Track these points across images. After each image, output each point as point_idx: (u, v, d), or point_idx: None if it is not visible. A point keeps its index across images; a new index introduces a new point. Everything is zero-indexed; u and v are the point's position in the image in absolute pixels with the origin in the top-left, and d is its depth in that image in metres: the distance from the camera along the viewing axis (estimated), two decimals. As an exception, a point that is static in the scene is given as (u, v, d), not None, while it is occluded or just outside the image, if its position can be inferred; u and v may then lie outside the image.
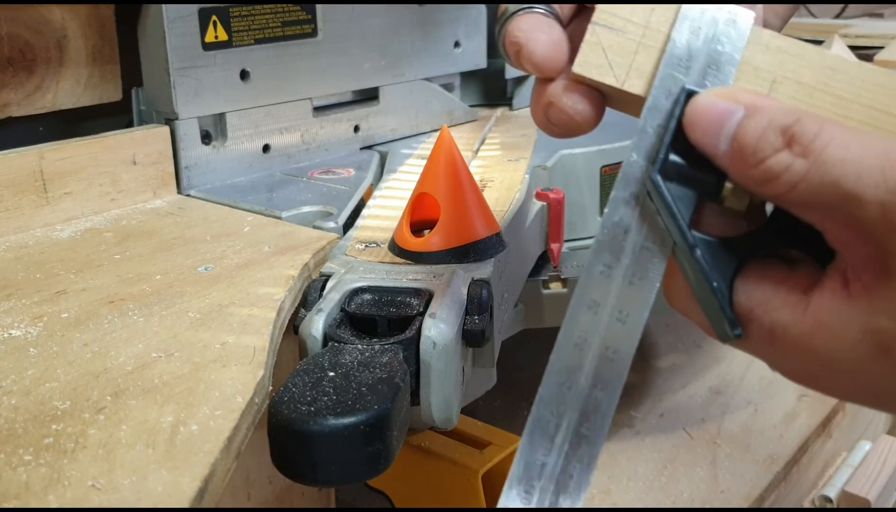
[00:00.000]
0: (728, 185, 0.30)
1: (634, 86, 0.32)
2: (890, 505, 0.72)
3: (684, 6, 0.32)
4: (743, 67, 0.32)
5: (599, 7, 0.33)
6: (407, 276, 0.44)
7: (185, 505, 0.28)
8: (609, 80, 0.33)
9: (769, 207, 0.32)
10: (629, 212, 0.31)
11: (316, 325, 0.40)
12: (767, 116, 0.29)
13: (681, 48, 0.32)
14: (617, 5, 0.33)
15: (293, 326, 0.43)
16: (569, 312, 0.33)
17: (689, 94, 0.31)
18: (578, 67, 0.33)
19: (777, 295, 0.30)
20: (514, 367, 0.79)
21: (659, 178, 0.30)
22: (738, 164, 0.29)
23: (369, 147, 0.72)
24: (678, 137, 0.31)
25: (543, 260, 0.61)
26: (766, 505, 0.63)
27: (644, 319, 0.32)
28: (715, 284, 0.30)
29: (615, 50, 0.33)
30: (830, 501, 0.69)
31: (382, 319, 0.41)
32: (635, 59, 0.33)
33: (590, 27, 0.33)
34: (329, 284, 0.44)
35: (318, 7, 0.66)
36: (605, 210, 0.31)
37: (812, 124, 0.28)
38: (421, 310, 0.41)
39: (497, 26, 0.36)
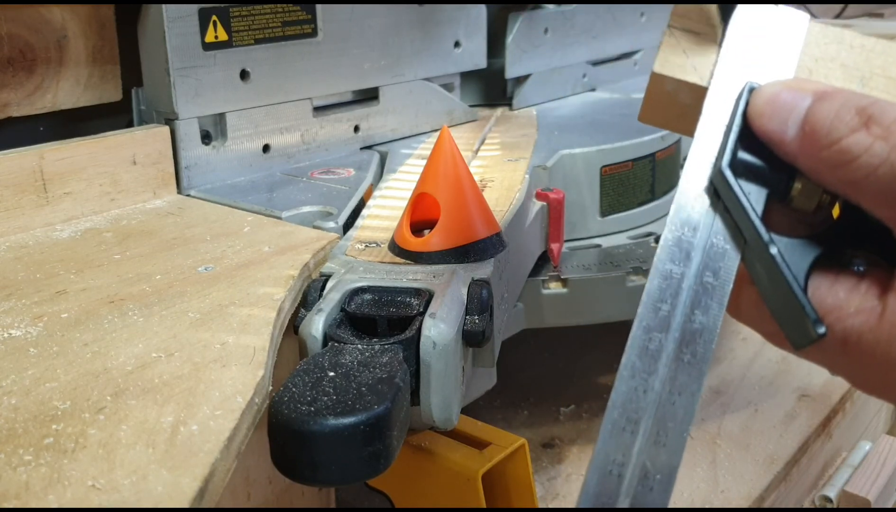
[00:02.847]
0: (797, 184, 0.29)
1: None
2: (890, 505, 0.72)
3: (739, 6, 0.32)
4: (829, 66, 0.31)
5: (674, 10, 0.33)
6: (407, 276, 0.44)
7: (185, 505, 0.28)
8: (692, 78, 0.33)
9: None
10: (697, 208, 0.30)
11: (316, 325, 0.40)
12: (840, 99, 0.28)
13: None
14: (689, 6, 0.33)
15: (293, 326, 0.43)
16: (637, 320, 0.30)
17: (752, 90, 0.30)
18: (660, 68, 0.33)
19: (850, 300, 0.29)
20: (514, 367, 0.79)
21: (728, 171, 0.29)
22: (810, 147, 0.28)
23: (369, 147, 0.72)
24: (744, 134, 0.30)
25: (543, 260, 0.61)
26: (766, 505, 0.63)
27: (720, 320, 0.30)
28: (793, 281, 0.28)
29: (693, 51, 0.33)
30: (830, 501, 0.69)
31: (382, 319, 0.41)
32: (713, 58, 0.33)
33: (668, 30, 0.33)
34: (329, 284, 0.44)
35: (318, 7, 0.66)
36: (672, 208, 0.30)
37: (891, 108, 0.27)
38: (421, 310, 0.41)
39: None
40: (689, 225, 0.30)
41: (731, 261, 0.30)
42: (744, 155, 0.30)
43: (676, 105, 0.34)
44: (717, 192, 0.30)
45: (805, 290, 0.29)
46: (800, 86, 0.29)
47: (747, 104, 0.30)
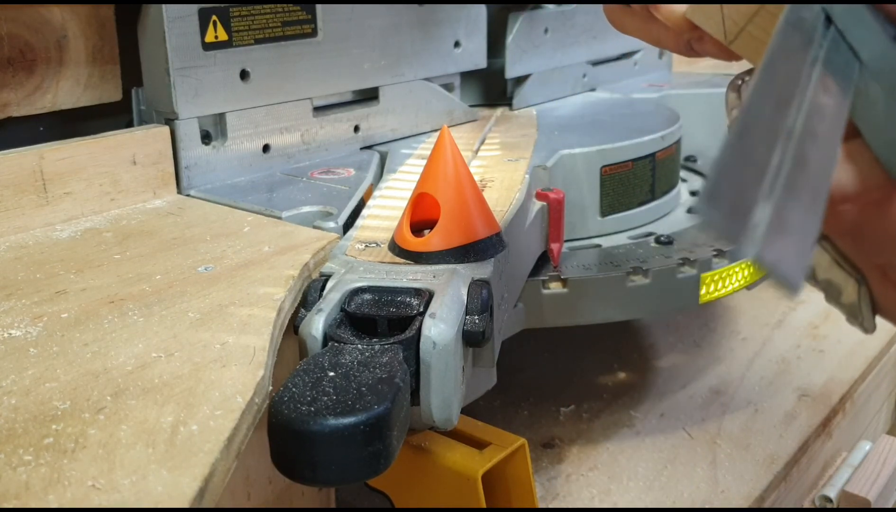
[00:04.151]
0: None
1: None
2: (890, 505, 0.72)
3: None
4: None
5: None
6: (407, 276, 0.44)
7: (185, 505, 0.28)
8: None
9: None
10: (810, 21, 0.27)
11: (316, 325, 0.40)
12: None
13: None
14: None
15: (293, 326, 0.43)
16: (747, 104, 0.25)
17: None
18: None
19: None
20: (514, 367, 0.79)
21: None
22: None
23: (369, 147, 0.72)
24: None
25: (543, 260, 0.61)
26: (766, 505, 0.63)
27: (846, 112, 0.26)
28: None
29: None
30: (830, 501, 0.69)
31: (382, 319, 0.41)
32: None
33: None
34: (329, 284, 0.44)
35: (318, 7, 0.66)
36: (785, 11, 0.28)
37: None
38: (421, 310, 0.41)
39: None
40: (801, 28, 0.27)
41: (853, 70, 0.27)
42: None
43: None
44: (830, 20, 0.28)
45: None
46: None
47: None
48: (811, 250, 0.22)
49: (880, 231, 0.30)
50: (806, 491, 0.70)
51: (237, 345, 0.38)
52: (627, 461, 0.65)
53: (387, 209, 0.55)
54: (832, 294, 0.38)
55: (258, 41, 0.63)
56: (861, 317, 0.37)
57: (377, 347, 0.39)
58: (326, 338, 0.40)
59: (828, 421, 0.72)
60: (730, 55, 0.36)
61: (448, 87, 0.79)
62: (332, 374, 0.37)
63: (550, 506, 0.61)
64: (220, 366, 0.36)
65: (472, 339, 0.42)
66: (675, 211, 0.73)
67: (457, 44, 0.77)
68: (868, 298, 0.36)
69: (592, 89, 0.93)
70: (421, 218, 0.48)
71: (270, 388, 0.37)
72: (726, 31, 0.34)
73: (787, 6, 0.28)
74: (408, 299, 0.42)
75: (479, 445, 0.53)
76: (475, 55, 0.79)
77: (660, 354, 0.82)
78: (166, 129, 0.60)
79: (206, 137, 0.62)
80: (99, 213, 0.57)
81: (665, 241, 0.65)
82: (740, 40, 0.34)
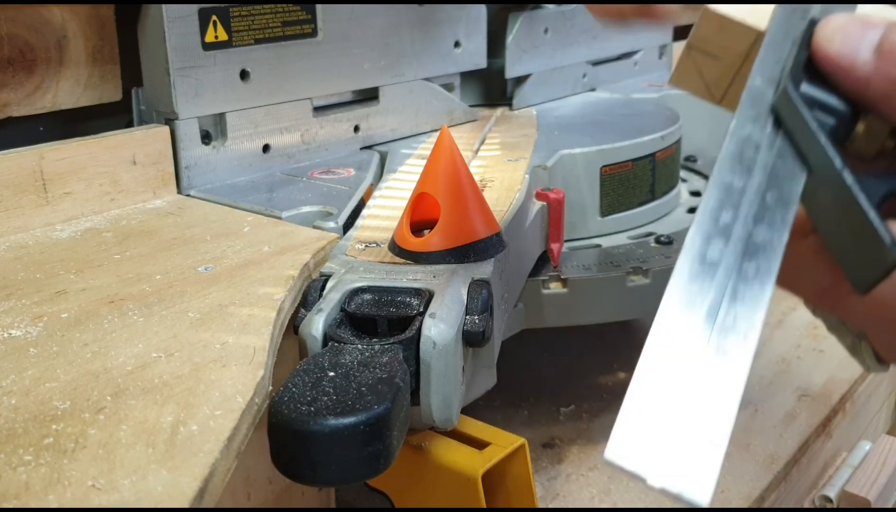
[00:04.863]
0: (861, 125, 0.28)
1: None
2: (890, 505, 0.72)
3: None
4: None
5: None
6: (407, 276, 0.44)
7: (185, 505, 0.28)
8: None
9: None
10: (758, 130, 0.28)
11: (316, 325, 0.40)
12: None
13: None
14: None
15: (293, 326, 0.43)
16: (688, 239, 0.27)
17: (814, 22, 0.29)
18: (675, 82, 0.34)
19: None
20: (514, 367, 0.79)
21: (795, 93, 0.28)
22: (886, 67, 0.27)
23: (369, 147, 0.72)
24: (805, 66, 0.28)
25: (543, 260, 0.61)
26: (766, 505, 0.63)
27: (784, 239, 0.27)
28: (867, 206, 0.26)
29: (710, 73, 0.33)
30: (830, 501, 0.69)
31: (382, 319, 0.41)
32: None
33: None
34: (329, 284, 0.44)
35: (318, 7, 0.66)
36: (732, 124, 0.28)
37: None
38: (421, 310, 0.41)
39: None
40: (750, 142, 0.28)
41: (797, 184, 0.28)
42: (806, 87, 0.28)
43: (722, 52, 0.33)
44: (779, 120, 0.28)
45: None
46: (868, 19, 0.28)
47: (810, 35, 0.29)
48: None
49: (860, 315, 0.30)
50: (806, 491, 0.70)
51: (237, 345, 0.38)
52: (627, 461, 0.65)
53: (387, 209, 0.55)
54: (841, 340, 0.38)
55: (258, 41, 0.63)
56: (866, 364, 0.37)
57: (377, 347, 0.39)
58: (326, 338, 0.40)
59: (828, 421, 0.72)
60: None
61: (448, 87, 0.79)
62: (332, 374, 0.37)
63: (550, 506, 0.61)
64: (220, 366, 0.36)
65: (472, 339, 0.42)
66: (675, 211, 0.73)
67: (457, 44, 0.77)
68: (870, 350, 0.36)
69: (592, 89, 0.93)
70: (421, 218, 0.48)
71: (270, 388, 0.37)
72: (712, 93, 0.34)
73: (735, 116, 0.29)
74: (408, 299, 0.42)
75: (479, 445, 0.53)
76: (475, 55, 0.79)
77: (660, 354, 0.82)
78: (166, 129, 0.60)
79: (206, 137, 0.62)
80: (99, 213, 0.57)
81: (665, 241, 0.65)
82: (728, 99, 0.34)
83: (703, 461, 0.23)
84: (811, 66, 0.29)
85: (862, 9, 0.31)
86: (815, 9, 0.30)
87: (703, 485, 0.23)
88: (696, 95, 0.34)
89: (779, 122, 0.28)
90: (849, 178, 0.26)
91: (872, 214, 0.26)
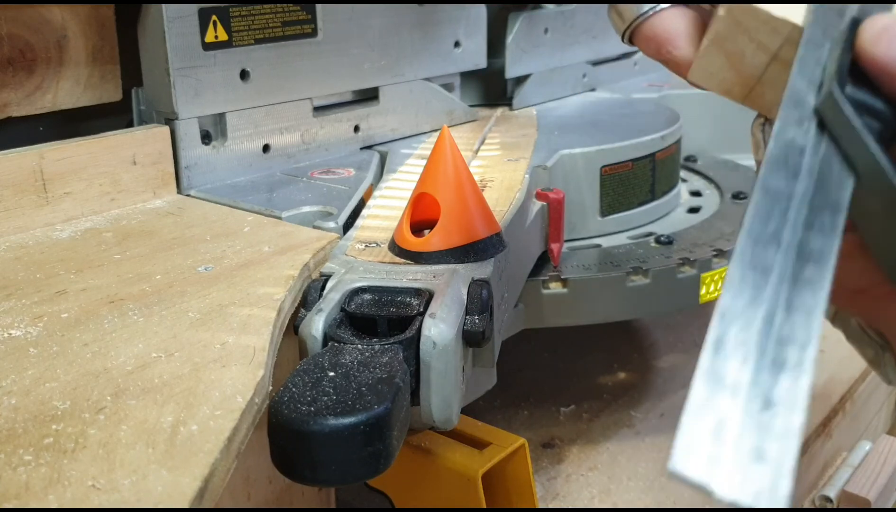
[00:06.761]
0: None
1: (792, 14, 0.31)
2: (890, 505, 0.72)
3: None
4: None
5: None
6: (407, 276, 0.44)
7: (185, 505, 0.28)
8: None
9: None
10: (802, 133, 0.28)
11: (316, 325, 0.40)
12: None
13: None
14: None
15: (293, 326, 0.43)
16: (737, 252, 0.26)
17: (857, 22, 0.29)
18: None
19: None
20: (514, 367, 0.79)
21: (841, 95, 0.27)
22: None
23: (369, 147, 0.72)
24: (851, 67, 0.28)
25: (543, 260, 0.61)
26: (766, 505, 0.63)
27: (836, 247, 0.26)
28: None
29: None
30: (830, 501, 0.69)
31: (382, 318, 0.41)
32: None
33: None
34: (329, 284, 0.44)
35: (318, 7, 0.66)
36: (776, 126, 0.28)
37: None
38: (421, 310, 0.41)
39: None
40: (794, 146, 0.27)
41: (845, 190, 0.27)
42: (850, 90, 0.28)
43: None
44: (823, 123, 0.28)
45: None
46: None
47: (852, 37, 0.28)
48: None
49: (892, 319, 0.30)
50: (806, 491, 0.70)
51: (237, 345, 0.38)
52: (627, 461, 0.65)
53: (387, 209, 0.55)
54: (861, 352, 0.38)
55: (258, 41, 0.63)
56: (888, 377, 0.37)
57: (377, 347, 0.39)
58: (326, 338, 0.40)
59: (828, 421, 0.72)
60: None
61: (448, 87, 0.79)
62: (332, 374, 0.37)
63: (550, 506, 0.61)
64: (220, 366, 0.36)
65: (472, 339, 0.42)
66: (675, 211, 0.73)
67: (457, 44, 0.77)
68: (893, 362, 0.36)
69: (592, 89, 0.93)
70: (421, 218, 0.48)
71: (270, 388, 0.37)
72: (735, 91, 0.33)
73: (778, 118, 0.28)
74: (408, 299, 0.42)
75: (479, 445, 0.54)
76: (475, 55, 0.79)
77: (660, 354, 0.82)
78: (166, 129, 0.60)
79: (206, 137, 0.62)
80: (99, 213, 0.57)
81: (665, 241, 0.65)
82: (752, 98, 0.34)
83: (773, 471, 0.23)
84: (855, 68, 0.28)
85: None
86: (853, 8, 0.30)
87: (776, 495, 0.22)
88: (717, 92, 0.33)
89: (822, 125, 0.28)
90: None
91: None
